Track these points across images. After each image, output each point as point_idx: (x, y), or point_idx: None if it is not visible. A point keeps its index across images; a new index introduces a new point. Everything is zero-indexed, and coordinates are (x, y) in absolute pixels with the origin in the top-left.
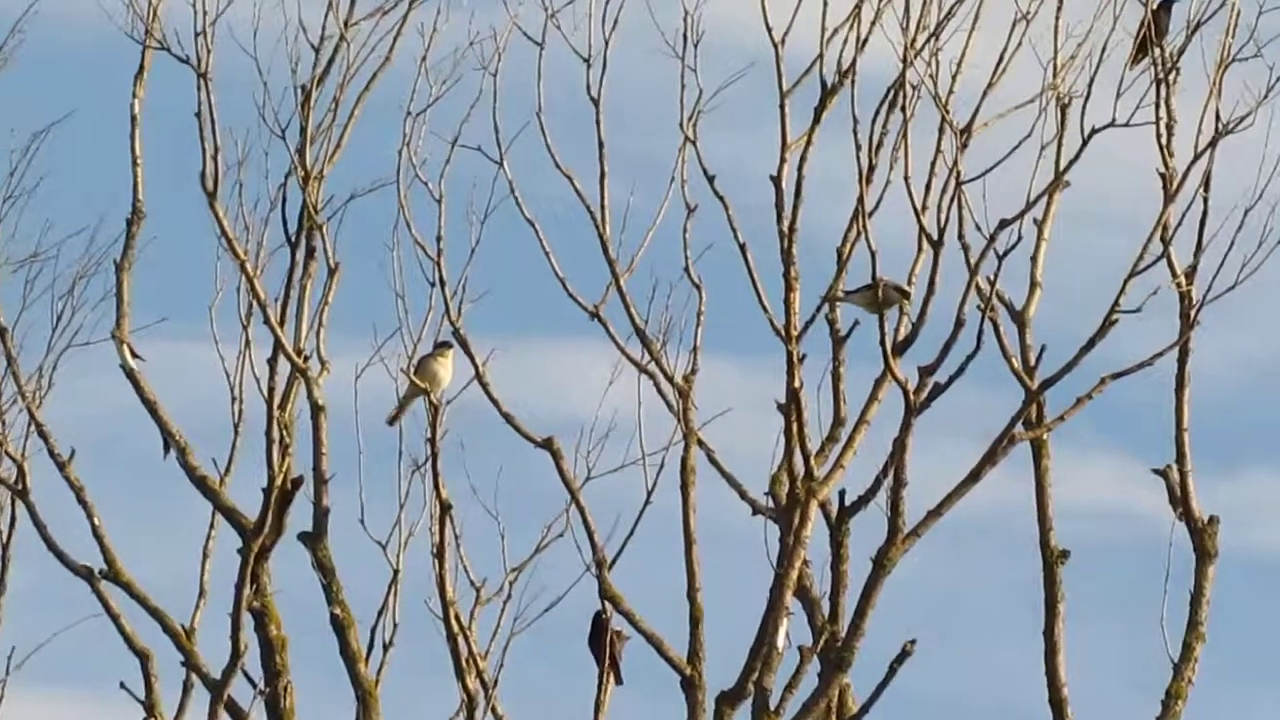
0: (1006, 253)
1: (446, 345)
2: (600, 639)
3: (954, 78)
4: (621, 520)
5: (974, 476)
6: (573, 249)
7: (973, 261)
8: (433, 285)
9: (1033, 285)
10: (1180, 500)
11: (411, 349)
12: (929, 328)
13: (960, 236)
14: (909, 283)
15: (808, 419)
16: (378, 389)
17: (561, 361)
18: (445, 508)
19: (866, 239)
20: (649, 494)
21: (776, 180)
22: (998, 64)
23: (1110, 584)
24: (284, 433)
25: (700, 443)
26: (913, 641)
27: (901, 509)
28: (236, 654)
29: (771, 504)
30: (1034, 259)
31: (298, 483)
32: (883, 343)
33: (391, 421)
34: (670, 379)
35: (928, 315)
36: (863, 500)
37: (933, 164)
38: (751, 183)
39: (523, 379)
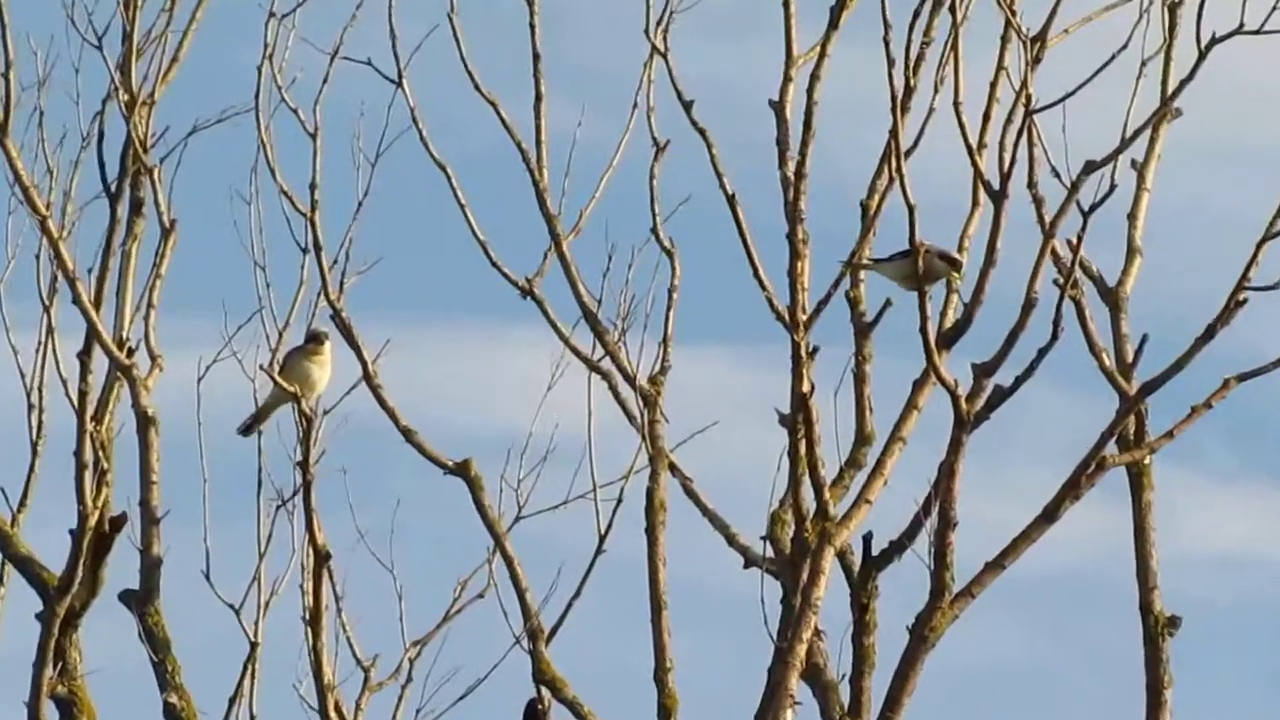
0: (1094, 207)
1: (323, 335)
2: None
3: None
4: (565, 574)
5: (1049, 515)
6: (499, 201)
7: (1048, 219)
8: (305, 251)
9: (1130, 252)
10: None
11: (276, 339)
12: (987, 310)
13: (1031, 185)
14: (960, 249)
15: (821, 435)
16: (228, 394)
17: (482, 356)
18: (322, 557)
19: (903, 188)
20: (602, 539)
21: (779, 107)
22: None
23: (1235, 658)
24: (100, 454)
25: (673, 468)
26: None
27: (949, 559)
28: None
29: (771, 553)
30: (1132, 216)
31: (119, 522)
32: (924, 330)
33: (247, 431)
34: (632, 380)
35: (985, 293)
36: (897, 547)
37: (993, 85)
38: (744, 111)
39: (429, 380)
